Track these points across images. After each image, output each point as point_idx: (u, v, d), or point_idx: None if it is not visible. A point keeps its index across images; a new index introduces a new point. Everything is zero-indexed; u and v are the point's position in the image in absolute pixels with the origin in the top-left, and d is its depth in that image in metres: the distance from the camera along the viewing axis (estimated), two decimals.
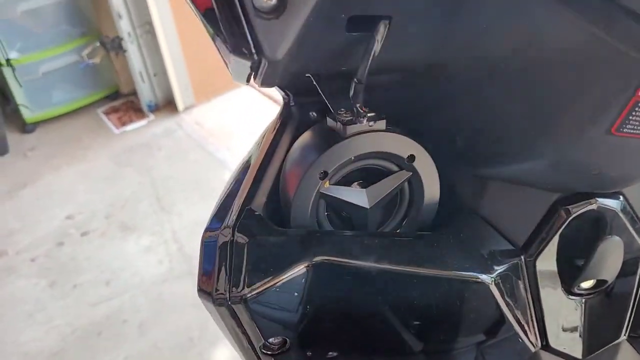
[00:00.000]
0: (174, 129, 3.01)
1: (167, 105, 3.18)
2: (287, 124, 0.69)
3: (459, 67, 0.48)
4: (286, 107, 0.72)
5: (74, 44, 2.98)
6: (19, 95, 2.94)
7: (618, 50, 0.36)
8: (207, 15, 0.41)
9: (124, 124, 3.05)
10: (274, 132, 0.67)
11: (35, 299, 2.06)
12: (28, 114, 3.02)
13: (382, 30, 0.44)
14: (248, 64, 0.40)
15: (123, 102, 3.25)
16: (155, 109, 3.15)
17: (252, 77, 0.43)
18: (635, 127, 0.41)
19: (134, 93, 3.22)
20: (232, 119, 3.06)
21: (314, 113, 0.66)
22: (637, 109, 0.39)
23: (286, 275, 0.49)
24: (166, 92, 3.14)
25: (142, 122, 3.07)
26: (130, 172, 2.69)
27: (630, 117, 0.40)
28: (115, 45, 2.96)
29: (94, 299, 2.04)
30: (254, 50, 0.39)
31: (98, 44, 3.00)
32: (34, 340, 1.90)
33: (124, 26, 2.85)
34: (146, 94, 3.10)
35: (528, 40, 0.40)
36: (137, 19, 2.86)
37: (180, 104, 3.11)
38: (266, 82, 0.44)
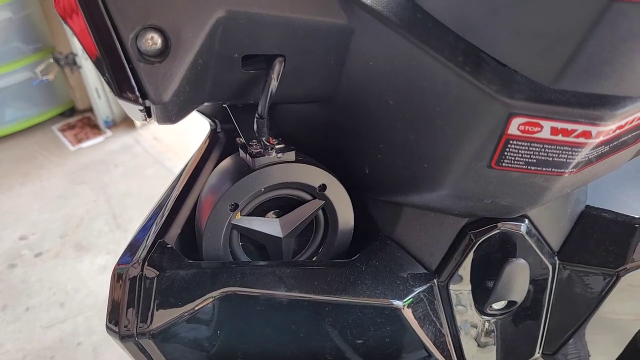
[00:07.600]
0: (131, 145, 2.96)
1: (125, 121, 3.13)
2: (212, 151, 0.69)
3: (353, 102, 0.49)
4: (213, 133, 0.72)
5: (26, 60, 2.91)
6: None
7: (485, 93, 0.38)
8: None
9: (80, 140, 3.00)
10: (197, 161, 0.67)
11: None
12: None
13: (277, 67, 0.45)
14: (137, 106, 0.40)
15: (79, 119, 3.20)
16: (112, 125, 3.11)
17: (147, 116, 0.44)
18: (512, 161, 0.42)
19: (90, 109, 3.17)
20: (191, 134, 3.03)
21: (241, 139, 0.66)
22: (509, 145, 0.41)
23: (193, 309, 0.50)
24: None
25: (99, 139, 3.03)
26: (85, 189, 2.64)
27: (506, 153, 0.41)
28: (69, 61, 2.91)
29: (47, 322, 1.99)
30: (138, 94, 0.39)
31: (52, 60, 2.95)
32: None
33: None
34: (102, 110, 3.05)
35: (407, 84, 0.42)
36: None
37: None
38: (164, 121, 0.45)
